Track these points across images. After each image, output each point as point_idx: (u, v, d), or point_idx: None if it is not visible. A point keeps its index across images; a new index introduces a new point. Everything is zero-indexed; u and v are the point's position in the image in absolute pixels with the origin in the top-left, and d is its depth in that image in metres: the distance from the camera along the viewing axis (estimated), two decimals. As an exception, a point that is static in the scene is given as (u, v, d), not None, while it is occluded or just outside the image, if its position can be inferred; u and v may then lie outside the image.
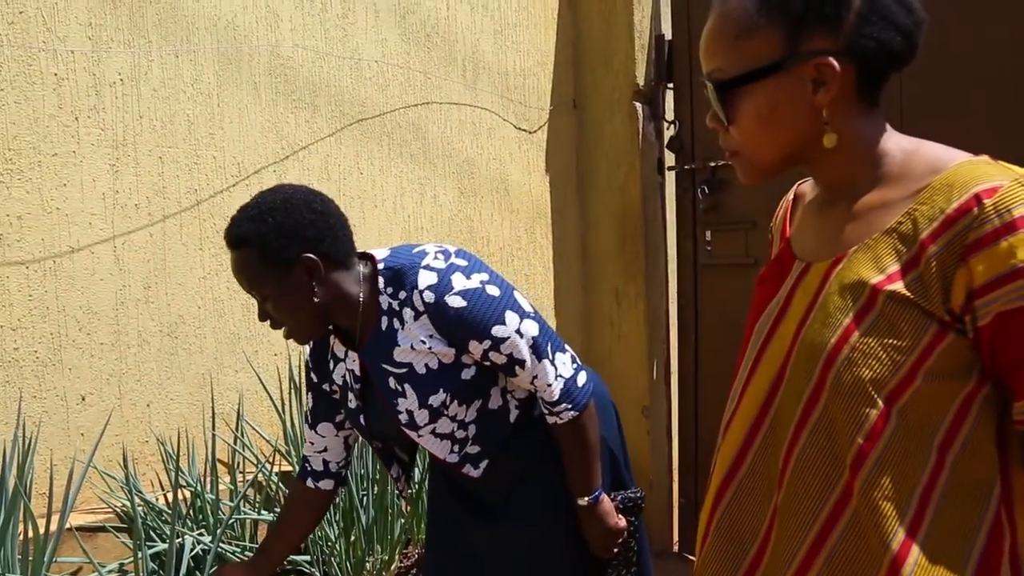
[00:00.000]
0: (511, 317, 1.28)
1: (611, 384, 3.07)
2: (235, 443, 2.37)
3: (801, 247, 0.93)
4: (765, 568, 0.88)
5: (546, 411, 1.36)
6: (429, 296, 1.26)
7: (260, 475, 2.30)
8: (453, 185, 2.94)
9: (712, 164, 2.72)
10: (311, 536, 2.28)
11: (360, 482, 2.34)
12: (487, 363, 1.32)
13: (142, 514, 2.09)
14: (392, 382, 1.32)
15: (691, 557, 2.87)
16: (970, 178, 0.77)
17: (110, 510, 2.17)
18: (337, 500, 2.34)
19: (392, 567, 2.41)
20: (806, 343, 0.84)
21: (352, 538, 2.32)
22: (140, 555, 1.95)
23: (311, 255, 1.27)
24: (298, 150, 2.58)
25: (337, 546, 2.30)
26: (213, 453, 2.28)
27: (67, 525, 1.99)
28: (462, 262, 1.30)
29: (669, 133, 2.92)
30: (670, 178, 2.96)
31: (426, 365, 1.30)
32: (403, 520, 2.41)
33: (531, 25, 3.15)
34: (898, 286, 0.78)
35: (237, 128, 2.45)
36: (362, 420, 1.40)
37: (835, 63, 0.80)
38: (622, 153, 3.02)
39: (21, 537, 1.89)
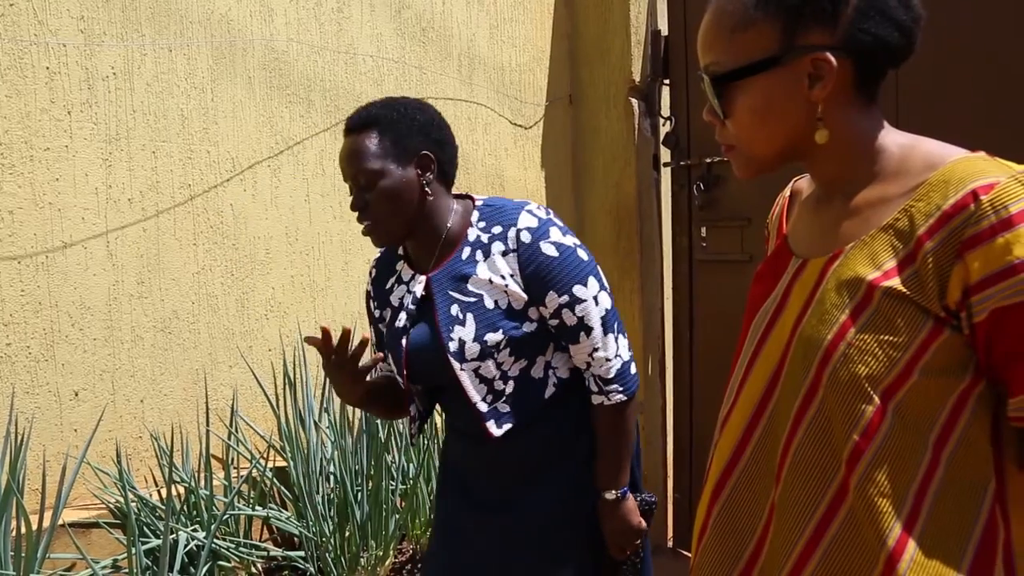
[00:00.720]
0: (592, 283, 1.32)
1: (606, 380, 3.09)
2: (229, 439, 2.37)
3: (798, 243, 0.92)
4: (763, 563, 0.88)
5: (595, 389, 1.35)
6: (526, 236, 1.30)
7: (254, 471, 2.30)
8: (448, 180, 2.94)
9: (708, 160, 2.72)
10: (305, 532, 2.28)
11: (355, 478, 2.34)
12: (555, 322, 1.32)
13: (136, 510, 2.09)
14: (455, 309, 1.32)
15: (685, 553, 2.88)
16: (967, 174, 0.77)
17: (103, 506, 2.16)
18: (331, 495, 2.34)
19: (387, 562, 2.41)
20: (803, 339, 0.84)
21: (347, 533, 2.32)
22: (134, 551, 1.94)
23: (430, 153, 1.32)
24: (293, 145, 2.57)
25: (332, 541, 2.29)
26: (207, 449, 2.27)
27: (60, 521, 1.98)
28: (560, 222, 1.35)
29: (665, 129, 2.91)
30: (665, 174, 2.96)
31: (496, 302, 1.31)
32: (397, 515, 2.41)
33: (527, 20, 3.14)
34: (895, 282, 0.78)
35: (231, 122, 2.44)
36: (403, 342, 1.37)
37: (832, 58, 0.80)
38: (618, 149, 3.02)
39: (14, 533, 1.88)
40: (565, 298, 1.30)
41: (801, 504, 0.83)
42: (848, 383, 0.79)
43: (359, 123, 1.32)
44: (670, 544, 2.99)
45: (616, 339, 1.34)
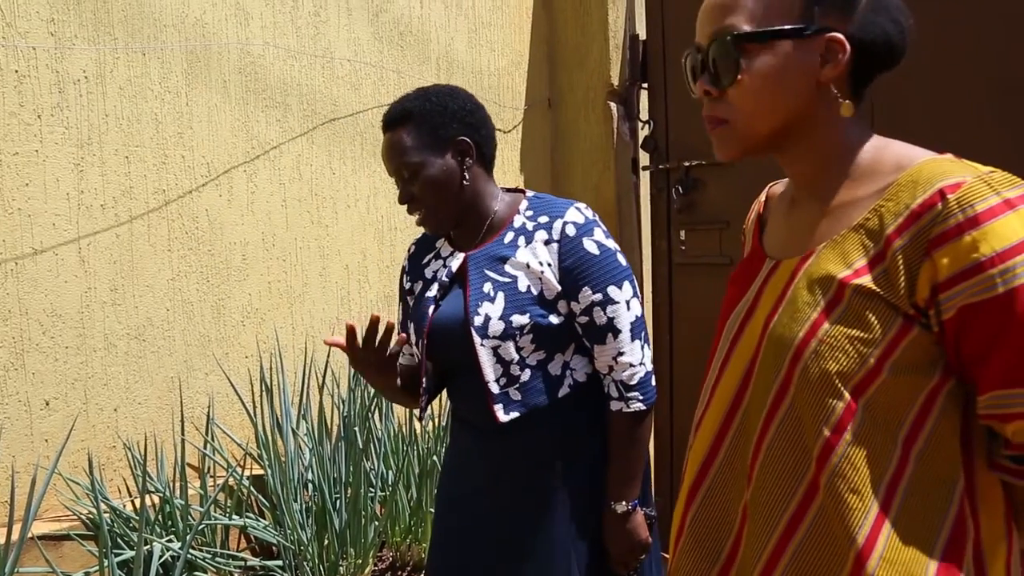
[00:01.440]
0: (627, 287, 1.34)
1: (587, 384, 3.08)
2: (205, 447, 2.34)
3: (772, 246, 0.93)
4: (740, 562, 0.88)
5: (615, 395, 1.33)
6: (571, 229, 1.31)
7: (231, 479, 2.27)
8: (427, 185, 2.93)
9: (686, 164, 2.73)
10: (283, 540, 2.26)
11: (333, 485, 2.32)
12: (584, 319, 1.32)
13: (108, 521, 2.05)
14: (487, 287, 1.33)
15: (666, 556, 2.87)
16: (934, 174, 0.77)
17: (75, 518, 2.13)
18: (310, 503, 2.31)
19: (366, 570, 2.39)
20: (774, 337, 0.84)
21: (325, 542, 2.30)
22: (107, 563, 1.91)
23: (467, 139, 1.33)
24: (269, 149, 2.55)
25: (310, 550, 2.27)
26: (182, 457, 2.24)
27: (30, 534, 1.95)
28: (604, 227, 1.37)
29: (643, 133, 2.92)
30: (644, 178, 2.96)
31: (529, 286, 1.32)
32: (377, 523, 2.39)
33: (505, 24, 3.15)
34: (865, 280, 0.78)
35: (206, 127, 2.42)
36: (430, 310, 1.37)
37: (846, 42, 0.81)
38: (596, 153, 3.02)
39: (-18, 546, 1.84)
40: (599, 296, 1.31)
41: (772, 502, 0.83)
42: (819, 379, 0.79)
43: (394, 118, 1.34)
44: (652, 548, 2.99)
45: (642, 347, 1.35)
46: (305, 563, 2.26)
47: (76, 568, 2.05)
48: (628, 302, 1.33)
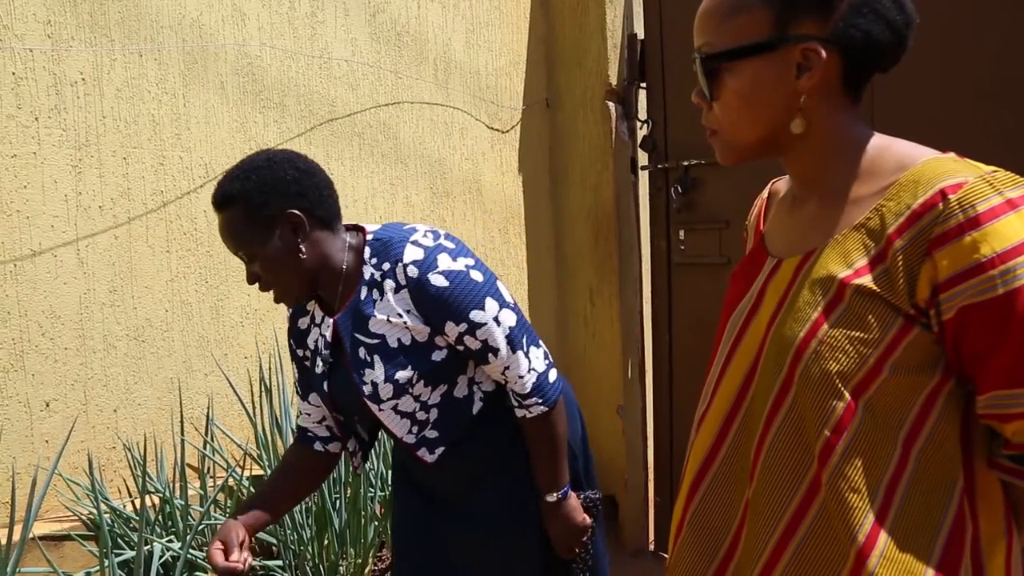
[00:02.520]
0: (490, 304, 1.29)
1: (586, 384, 3.09)
2: (204, 447, 2.34)
3: (773, 243, 0.93)
4: (738, 560, 0.88)
5: (515, 404, 1.36)
6: (413, 271, 1.27)
7: (231, 479, 2.27)
8: (425, 185, 2.93)
9: (685, 163, 2.73)
10: (283, 540, 2.26)
11: (333, 485, 2.32)
12: (460, 347, 1.32)
13: (109, 521, 2.05)
14: (362, 352, 1.32)
15: (667, 556, 2.88)
16: (935, 174, 0.78)
17: (76, 518, 2.12)
18: (310, 503, 2.31)
19: (366, 570, 2.39)
20: (777, 337, 0.84)
21: (325, 541, 2.30)
22: (107, 563, 1.91)
23: (295, 211, 1.27)
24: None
25: (310, 549, 2.27)
26: (182, 458, 2.24)
27: (31, 534, 1.94)
28: (450, 244, 1.32)
29: (642, 132, 2.92)
30: (643, 177, 2.97)
31: (399, 339, 1.30)
32: (377, 523, 2.39)
33: (503, 24, 3.14)
34: (865, 280, 0.78)
35: (204, 128, 2.41)
36: (325, 387, 1.39)
37: (821, 50, 0.81)
38: (595, 152, 3.02)
39: (-18, 548, 1.84)
40: (464, 326, 1.28)
41: (774, 500, 0.83)
42: (819, 379, 0.79)
43: (219, 202, 1.29)
44: (652, 548, 2.99)
45: (526, 354, 1.33)
46: (305, 563, 2.26)
47: (77, 568, 2.05)
48: (496, 318, 1.29)
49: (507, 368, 1.32)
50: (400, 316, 1.29)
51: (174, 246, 2.36)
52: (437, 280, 1.27)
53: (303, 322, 1.44)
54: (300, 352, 1.45)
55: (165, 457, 2.32)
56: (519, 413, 1.36)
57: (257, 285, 1.32)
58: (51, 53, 2.14)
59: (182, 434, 2.28)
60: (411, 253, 1.28)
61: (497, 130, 3.15)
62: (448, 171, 2.99)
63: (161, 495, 2.17)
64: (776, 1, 0.81)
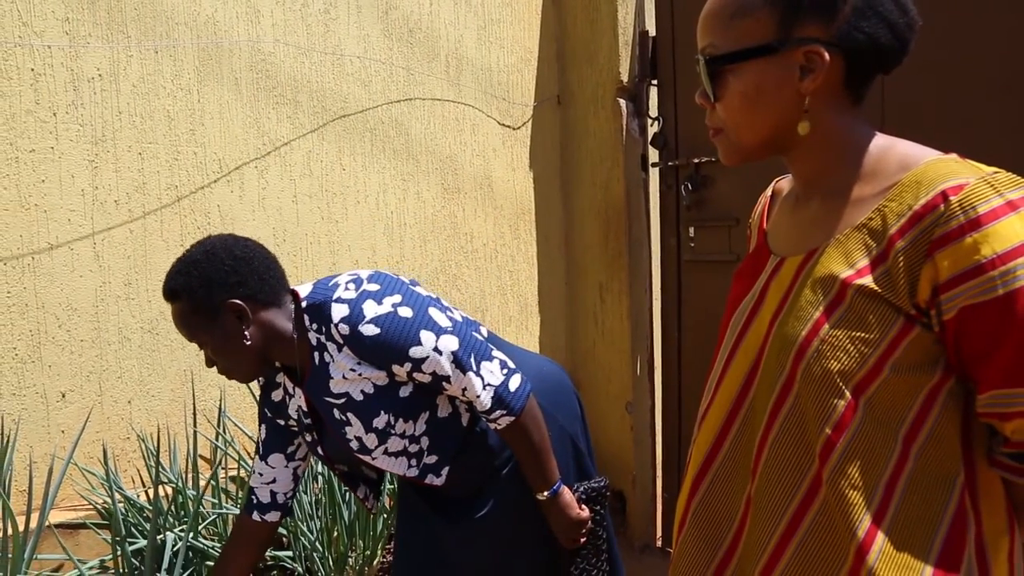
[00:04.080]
0: (427, 336, 1.29)
1: (595, 380, 3.10)
2: (216, 439, 2.37)
3: (776, 242, 0.94)
4: (740, 555, 0.89)
5: (485, 418, 1.38)
6: (344, 328, 1.28)
7: (242, 471, 2.30)
8: (436, 181, 2.94)
9: (696, 161, 2.74)
10: (293, 531, 2.28)
11: (343, 478, 2.34)
12: (416, 382, 1.34)
13: (123, 511, 2.08)
14: (336, 412, 1.35)
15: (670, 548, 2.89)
16: (937, 175, 0.78)
17: (91, 507, 2.16)
18: (319, 495, 2.34)
19: (375, 562, 2.41)
20: (779, 336, 0.85)
21: (334, 534, 2.32)
22: (121, 552, 1.94)
23: (236, 300, 1.31)
24: (280, 146, 2.57)
25: (319, 542, 2.30)
26: (195, 449, 2.27)
27: (47, 522, 1.98)
28: (373, 287, 1.32)
29: (653, 129, 2.93)
30: (654, 174, 2.97)
31: (362, 391, 1.32)
32: (385, 515, 2.41)
33: (515, 21, 3.15)
34: (867, 280, 0.79)
35: (218, 124, 2.44)
36: (320, 451, 1.44)
37: (824, 52, 0.81)
38: (606, 149, 3.03)
39: (1, 535, 1.88)
40: (408, 364, 1.29)
41: (776, 497, 0.84)
42: (821, 378, 0.80)
43: (166, 296, 1.34)
44: (659, 544, 3.01)
45: (477, 373, 1.33)
46: (315, 554, 2.29)
47: (92, 556, 2.08)
48: (436, 348, 1.29)
49: (464, 390, 1.33)
50: (353, 371, 1.31)
51: (188, 240, 2.39)
52: (368, 330, 1.27)
53: (276, 395, 1.47)
54: (281, 422, 1.49)
55: (178, 448, 2.36)
56: (491, 426, 1.38)
57: (216, 368, 1.37)
58: (69, 50, 2.17)
59: (195, 425, 2.32)
60: (338, 312, 1.29)
61: (508, 127, 3.16)
62: (459, 167, 3.01)
63: (174, 485, 2.20)
64: (780, 4, 0.82)
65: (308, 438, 1.44)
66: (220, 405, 2.42)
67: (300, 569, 2.31)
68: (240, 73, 2.48)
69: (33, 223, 2.13)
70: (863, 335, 0.79)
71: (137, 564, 2.02)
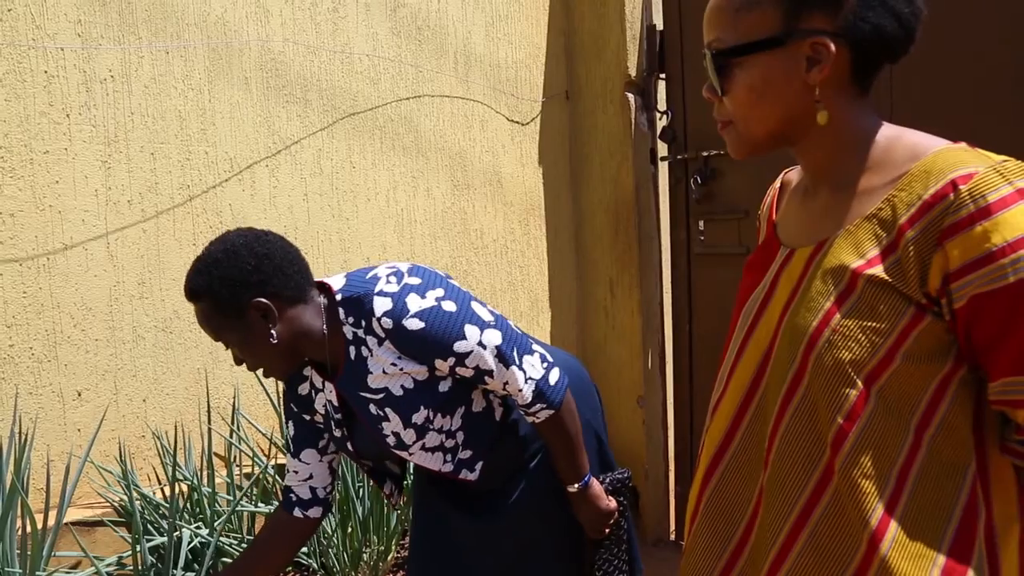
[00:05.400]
0: (471, 331, 1.28)
1: (606, 374, 3.11)
2: (231, 436, 2.39)
3: (786, 233, 0.94)
4: (752, 545, 0.90)
5: (524, 411, 1.38)
6: (387, 323, 1.26)
7: (256, 468, 2.32)
8: (446, 178, 2.95)
9: (705, 154, 2.73)
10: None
11: (356, 474, 2.36)
12: (458, 376, 1.33)
13: (139, 508, 2.11)
14: (373, 408, 1.34)
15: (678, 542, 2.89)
16: (947, 165, 0.78)
17: (108, 505, 2.18)
18: (334, 491, 2.36)
19: (389, 558, 2.43)
20: (790, 326, 0.85)
21: (349, 529, 2.34)
22: (138, 549, 1.96)
23: (260, 299, 1.28)
24: (290, 144, 2.59)
25: (334, 537, 2.31)
26: (209, 447, 2.29)
27: (65, 520, 2.00)
28: (415, 280, 1.30)
29: (662, 123, 2.92)
30: (663, 168, 2.97)
31: (402, 386, 1.31)
32: (399, 511, 2.43)
33: (522, 17, 3.15)
34: (877, 270, 0.79)
35: (229, 123, 2.46)
36: (350, 447, 1.42)
37: (830, 43, 0.81)
38: (615, 144, 3.03)
39: (19, 532, 1.90)
40: (452, 359, 1.28)
41: (788, 487, 0.84)
42: (832, 368, 0.80)
43: (188, 296, 1.31)
44: (672, 537, 3.01)
45: (520, 367, 1.32)
46: (329, 550, 2.31)
47: (109, 553, 2.10)
48: (480, 343, 1.28)
49: (506, 384, 1.33)
50: (394, 365, 1.29)
51: (200, 239, 2.41)
52: (412, 324, 1.25)
53: (303, 388, 1.45)
54: (307, 416, 1.47)
55: (193, 446, 2.38)
56: (528, 419, 1.39)
57: (245, 365, 1.35)
58: (81, 51, 2.19)
59: (209, 423, 2.34)
60: (380, 305, 1.26)
61: (517, 122, 3.16)
62: (468, 163, 3.02)
63: (189, 483, 2.22)
64: None
65: (337, 433, 1.42)
66: (234, 403, 2.44)
67: (315, 565, 2.33)
68: (250, 72, 2.49)
69: (48, 224, 2.15)
70: (874, 325, 0.79)
71: (154, 561, 2.05)
